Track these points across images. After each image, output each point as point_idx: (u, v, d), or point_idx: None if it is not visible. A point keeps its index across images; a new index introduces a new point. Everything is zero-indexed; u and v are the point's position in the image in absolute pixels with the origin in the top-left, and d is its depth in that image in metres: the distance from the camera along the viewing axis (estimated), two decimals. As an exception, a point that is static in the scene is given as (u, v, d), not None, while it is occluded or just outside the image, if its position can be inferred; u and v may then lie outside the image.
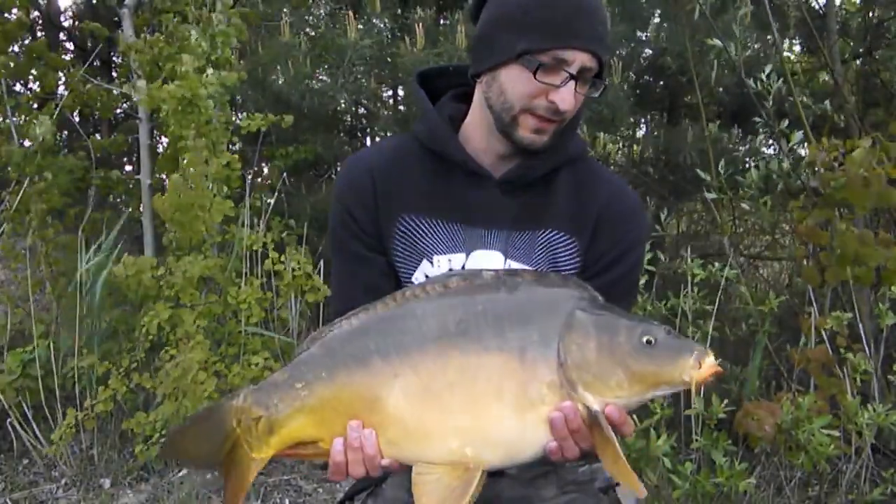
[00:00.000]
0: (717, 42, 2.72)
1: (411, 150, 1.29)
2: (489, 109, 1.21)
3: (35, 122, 3.49)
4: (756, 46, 3.58)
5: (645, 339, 1.03)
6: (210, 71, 3.20)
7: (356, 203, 1.28)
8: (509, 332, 1.05)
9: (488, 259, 1.25)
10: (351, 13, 3.60)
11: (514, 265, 1.25)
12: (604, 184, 1.29)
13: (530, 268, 1.22)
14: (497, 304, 1.07)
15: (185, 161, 3.05)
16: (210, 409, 1.17)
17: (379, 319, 1.09)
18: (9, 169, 3.54)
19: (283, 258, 3.31)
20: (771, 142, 3.68)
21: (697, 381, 1.01)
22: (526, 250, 1.25)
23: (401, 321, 1.08)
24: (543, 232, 1.25)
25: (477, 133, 1.26)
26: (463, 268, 1.26)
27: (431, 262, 1.26)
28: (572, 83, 1.14)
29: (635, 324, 1.05)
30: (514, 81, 1.16)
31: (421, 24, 3.49)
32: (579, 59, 1.14)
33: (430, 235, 1.26)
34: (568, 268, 1.26)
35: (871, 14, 4.01)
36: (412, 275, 1.27)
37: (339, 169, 5.08)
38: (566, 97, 1.14)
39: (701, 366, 1.01)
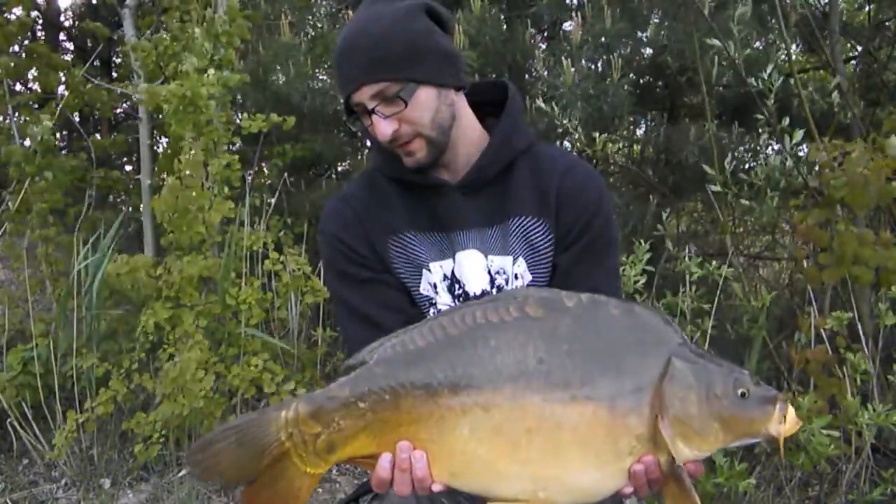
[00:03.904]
0: (717, 42, 2.72)
1: (378, 180, 1.37)
2: None
3: (33, 122, 3.49)
4: (757, 45, 3.57)
5: (739, 392, 1.01)
6: (212, 71, 3.20)
7: (347, 233, 1.33)
8: (599, 378, 0.99)
9: (471, 258, 1.31)
10: (351, 14, 3.59)
11: (495, 259, 1.30)
12: (556, 163, 1.34)
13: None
14: (584, 343, 1.01)
15: (181, 163, 3.05)
16: (252, 418, 1.08)
17: (447, 343, 1.03)
18: (8, 169, 3.54)
19: (281, 258, 3.30)
20: (771, 141, 3.68)
21: (783, 436, 1.01)
22: (501, 243, 1.31)
23: (471, 349, 1.01)
24: (512, 220, 1.31)
25: None
26: (452, 272, 1.31)
27: (430, 271, 1.32)
28: (375, 117, 1.23)
29: (727, 373, 1.02)
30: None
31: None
32: (363, 96, 1.23)
33: (420, 248, 1.32)
34: (544, 247, 1.31)
35: (871, 13, 4.01)
36: (418, 286, 1.33)
37: (339, 169, 5.09)
38: (379, 130, 1.24)
39: (785, 418, 1.01)
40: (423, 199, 1.33)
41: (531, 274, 1.31)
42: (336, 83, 1.32)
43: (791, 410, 1.03)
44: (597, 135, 3.02)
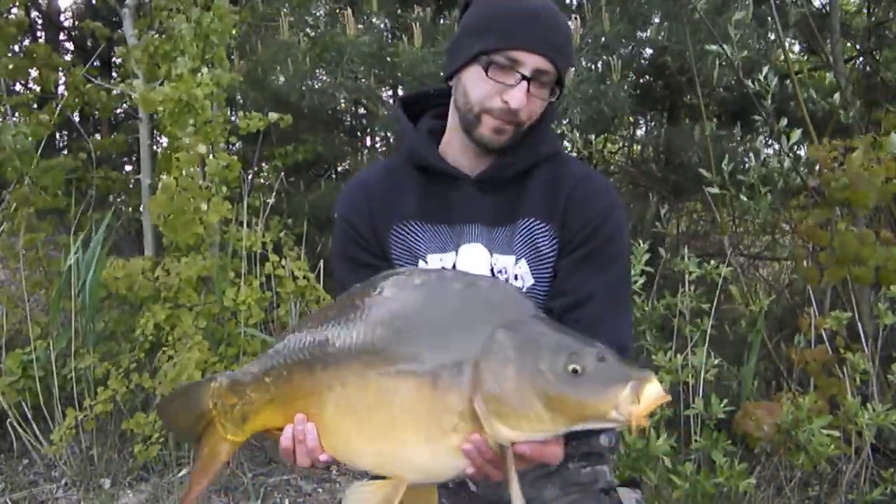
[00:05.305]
0: (714, 47, 2.73)
1: (400, 166, 1.39)
2: (457, 111, 1.31)
3: (13, 125, 3.45)
4: (757, 46, 3.57)
5: (570, 368, 0.91)
6: (205, 70, 3.18)
7: (354, 215, 1.37)
8: (426, 353, 0.97)
9: (474, 252, 1.32)
10: (349, 11, 3.58)
11: (499, 258, 1.31)
12: (572, 172, 1.36)
13: (501, 263, 1.21)
14: (420, 319, 1.01)
15: (178, 160, 3.03)
16: (190, 386, 1.25)
17: (327, 323, 1.08)
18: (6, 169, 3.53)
19: (283, 262, 3.29)
20: (770, 142, 3.68)
21: (637, 417, 0.88)
22: (507, 242, 1.32)
23: (338, 328, 1.06)
24: (521, 222, 1.32)
25: (455, 136, 1.35)
26: (454, 266, 1.32)
27: (426, 262, 1.33)
28: (524, 84, 1.22)
29: (561, 347, 0.93)
30: (473, 82, 1.26)
31: (418, 24, 3.47)
32: (531, 61, 1.22)
33: (421, 239, 1.34)
34: (547, 251, 1.32)
35: (872, 13, 4.01)
36: None
37: (338, 169, 5.10)
38: (517, 96, 1.22)
39: (640, 398, 0.88)
40: (439, 189, 1.34)
41: (533, 277, 1.30)
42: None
43: (651, 389, 0.88)
44: (593, 137, 3.02)
